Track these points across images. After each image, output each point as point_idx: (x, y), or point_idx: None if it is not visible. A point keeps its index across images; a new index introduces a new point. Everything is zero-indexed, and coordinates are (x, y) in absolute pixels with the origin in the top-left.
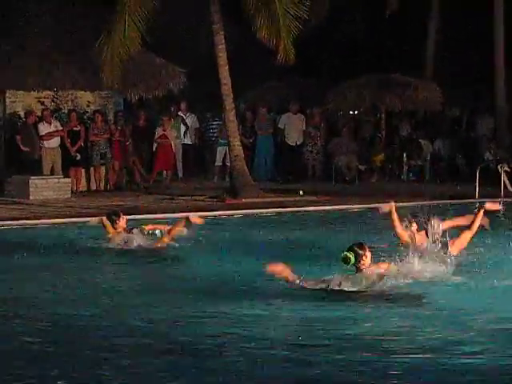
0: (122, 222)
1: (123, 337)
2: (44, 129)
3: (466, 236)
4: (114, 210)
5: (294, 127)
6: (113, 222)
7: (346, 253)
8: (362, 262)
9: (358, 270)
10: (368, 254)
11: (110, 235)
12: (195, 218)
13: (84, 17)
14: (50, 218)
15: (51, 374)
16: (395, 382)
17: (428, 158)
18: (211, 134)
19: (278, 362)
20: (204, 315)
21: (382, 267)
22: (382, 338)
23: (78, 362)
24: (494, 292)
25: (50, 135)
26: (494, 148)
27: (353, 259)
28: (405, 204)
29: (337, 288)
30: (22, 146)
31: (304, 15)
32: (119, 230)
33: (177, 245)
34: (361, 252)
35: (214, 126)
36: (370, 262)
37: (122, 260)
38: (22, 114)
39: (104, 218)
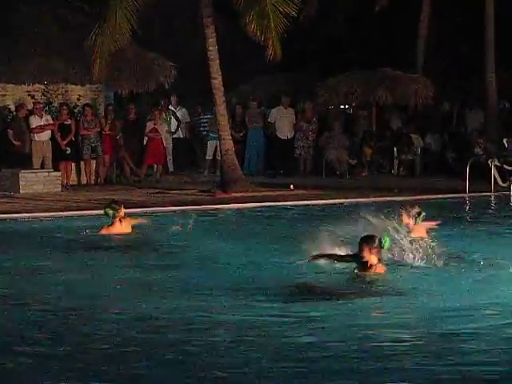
0: (122, 212)
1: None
2: (35, 122)
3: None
4: (115, 200)
5: (285, 121)
6: (115, 210)
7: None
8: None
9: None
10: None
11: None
12: None
13: (76, 11)
14: (39, 211)
15: None
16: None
17: (418, 153)
18: (202, 128)
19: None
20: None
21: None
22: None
23: None
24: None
25: (41, 128)
26: (484, 143)
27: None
28: (395, 198)
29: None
30: (13, 141)
31: (293, 12)
32: (118, 218)
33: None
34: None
35: (205, 120)
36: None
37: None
38: (12, 107)
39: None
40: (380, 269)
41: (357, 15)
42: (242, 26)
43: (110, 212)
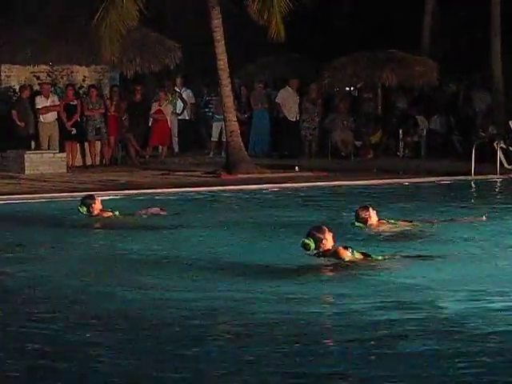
0: (98, 204)
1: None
2: (41, 102)
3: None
4: (87, 194)
5: (292, 102)
6: (88, 207)
7: (304, 239)
8: (322, 245)
9: (320, 253)
10: (328, 236)
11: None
12: None
13: None
14: (45, 192)
15: None
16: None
17: (424, 135)
18: (207, 110)
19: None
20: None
21: (341, 251)
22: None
23: None
24: None
25: (47, 109)
26: (487, 125)
27: (312, 245)
28: (401, 180)
29: None
30: (18, 122)
31: None
32: (95, 213)
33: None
34: (320, 235)
35: (210, 102)
36: (332, 244)
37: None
38: (17, 88)
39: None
40: (342, 252)
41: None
42: (245, 6)
43: (84, 209)
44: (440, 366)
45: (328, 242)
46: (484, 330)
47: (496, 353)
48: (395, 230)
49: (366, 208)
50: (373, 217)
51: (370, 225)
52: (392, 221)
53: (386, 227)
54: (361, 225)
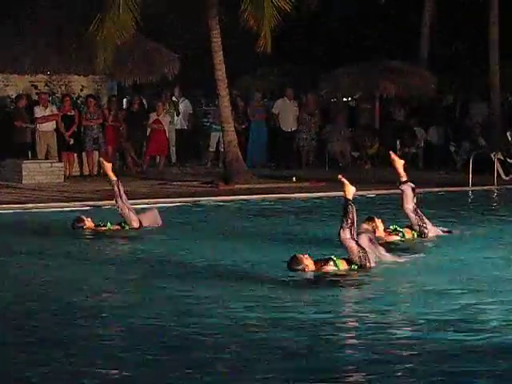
0: (88, 223)
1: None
2: (39, 112)
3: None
4: (75, 217)
5: (289, 113)
6: (80, 229)
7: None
8: (305, 271)
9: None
10: (306, 261)
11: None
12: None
13: (79, 1)
14: (42, 202)
15: None
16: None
17: (421, 146)
18: (205, 120)
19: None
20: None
21: (325, 269)
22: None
23: None
24: None
25: (45, 119)
26: (483, 136)
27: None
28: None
29: None
30: (23, 124)
31: (287, 8)
32: (89, 230)
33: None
34: (299, 267)
35: (210, 112)
36: (312, 263)
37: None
38: (14, 97)
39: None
40: (325, 269)
41: (361, 7)
42: (239, 12)
43: (78, 230)
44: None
45: (309, 266)
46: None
47: None
48: (403, 239)
49: (372, 219)
50: (380, 228)
51: (378, 236)
52: (399, 229)
53: (393, 238)
54: None
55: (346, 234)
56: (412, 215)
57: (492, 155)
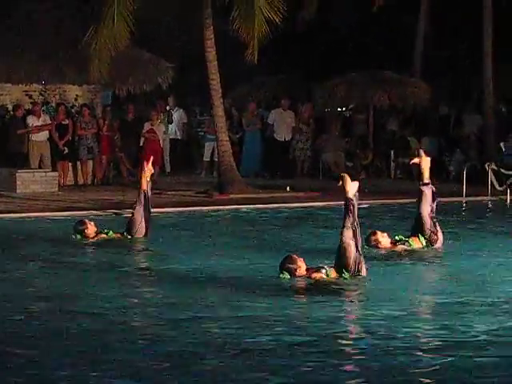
0: (91, 227)
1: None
2: (32, 122)
3: None
4: (78, 221)
5: (283, 123)
6: (81, 233)
7: (280, 275)
8: (296, 273)
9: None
10: (300, 263)
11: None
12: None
13: (73, 10)
14: (36, 211)
15: None
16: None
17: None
18: (199, 130)
19: None
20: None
21: (314, 275)
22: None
23: None
24: None
25: (38, 128)
26: (476, 147)
27: (287, 276)
28: (391, 201)
29: None
30: (24, 131)
31: (277, 20)
32: (91, 236)
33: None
34: (292, 266)
35: (202, 121)
36: (305, 268)
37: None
38: (9, 107)
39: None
40: (315, 275)
41: (354, 18)
42: (230, 20)
43: (78, 236)
44: None
45: (301, 268)
46: None
47: None
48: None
49: (374, 233)
50: (383, 241)
51: (384, 248)
52: (405, 239)
53: (401, 247)
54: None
55: (349, 234)
56: (427, 219)
57: (486, 165)
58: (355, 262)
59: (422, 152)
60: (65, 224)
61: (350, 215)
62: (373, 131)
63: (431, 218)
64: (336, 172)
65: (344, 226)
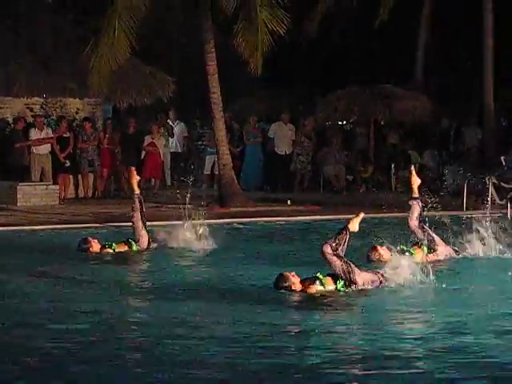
0: (95, 245)
1: None
2: (35, 134)
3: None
4: (82, 239)
5: (284, 136)
6: (86, 251)
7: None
8: (292, 289)
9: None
10: (293, 279)
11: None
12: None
13: (74, 24)
14: (37, 224)
15: None
16: None
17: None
18: (200, 143)
19: None
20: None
21: (310, 290)
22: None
23: None
24: None
25: (39, 141)
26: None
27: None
28: (393, 215)
29: None
30: (24, 144)
31: (281, 32)
32: (95, 251)
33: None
34: (286, 284)
35: (205, 135)
36: (299, 282)
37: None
38: (10, 120)
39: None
40: (310, 289)
41: (356, 31)
42: (233, 33)
43: (83, 253)
44: None
45: (295, 284)
46: None
47: None
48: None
49: (375, 248)
50: (384, 255)
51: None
52: (407, 249)
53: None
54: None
55: (327, 248)
56: (417, 230)
57: (486, 179)
58: (343, 270)
59: (412, 169)
60: (66, 237)
61: (339, 239)
62: (374, 145)
63: (422, 229)
64: (336, 185)
65: (326, 242)
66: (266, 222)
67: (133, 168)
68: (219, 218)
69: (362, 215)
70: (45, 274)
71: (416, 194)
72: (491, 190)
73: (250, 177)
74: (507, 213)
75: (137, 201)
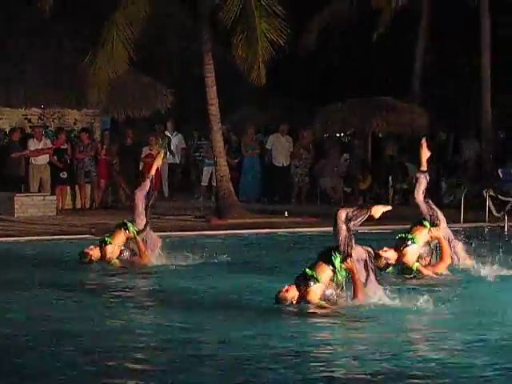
0: (94, 252)
1: None
2: (33, 145)
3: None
4: (80, 252)
5: (282, 148)
6: (88, 263)
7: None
8: (295, 302)
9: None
10: (290, 294)
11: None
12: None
13: (72, 35)
14: (34, 235)
15: None
16: None
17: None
18: (198, 154)
19: None
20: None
21: (309, 298)
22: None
23: None
24: None
25: (38, 152)
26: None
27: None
28: (390, 227)
29: None
30: (20, 154)
31: (281, 41)
32: (97, 257)
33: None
34: (287, 302)
35: (203, 146)
36: (295, 290)
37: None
38: (7, 130)
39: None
40: (311, 296)
41: (354, 44)
42: (233, 45)
43: (83, 264)
44: None
45: (294, 297)
46: None
47: None
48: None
49: (378, 255)
50: (390, 257)
51: (393, 259)
52: (410, 236)
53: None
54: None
55: (341, 214)
56: (422, 205)
57: (484, 192)
58: (345, 244)
59: (423, 141)
60: (63, 248)
61: (357, 220)
62: (371, 157)
63: (427, 204)
64: (334, 197)
65: (344, 207)
66: (262, 233)
67: (162, 153)
68: (216, 230)
69: (389, 207)
70: (42, 284)
71: (424, 167)
72: (488, 202)
73: (248, 188)
74: (504, 226)
75: (148, 180)
